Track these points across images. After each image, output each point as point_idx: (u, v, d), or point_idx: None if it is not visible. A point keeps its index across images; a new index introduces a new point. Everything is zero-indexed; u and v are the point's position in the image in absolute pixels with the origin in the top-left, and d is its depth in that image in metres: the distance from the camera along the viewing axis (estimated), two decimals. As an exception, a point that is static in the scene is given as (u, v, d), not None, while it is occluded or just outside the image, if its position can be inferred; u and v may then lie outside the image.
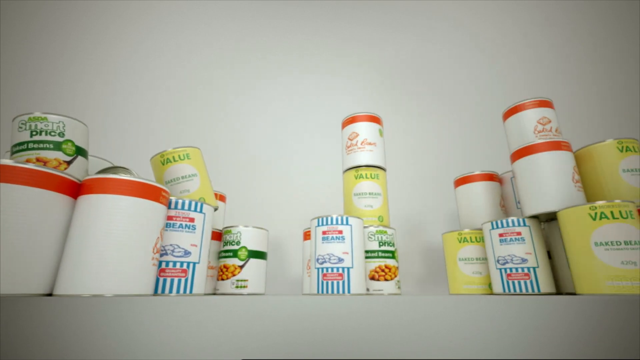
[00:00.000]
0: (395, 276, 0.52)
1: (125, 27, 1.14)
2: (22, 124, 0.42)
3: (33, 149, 0.41)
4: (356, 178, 0.59)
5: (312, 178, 0.98)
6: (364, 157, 0.60)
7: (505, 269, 0.48)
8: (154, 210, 0.35)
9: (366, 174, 0.59)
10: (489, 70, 1.07)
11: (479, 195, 0.61)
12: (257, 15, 1.17)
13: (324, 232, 0.46)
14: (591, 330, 0.28)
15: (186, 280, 0.38)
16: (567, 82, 1.03)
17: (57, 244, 0.32)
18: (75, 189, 0.34)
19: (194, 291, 0.38)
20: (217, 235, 0.59)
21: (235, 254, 0.56)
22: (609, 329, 0.28)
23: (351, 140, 0.62)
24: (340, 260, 0.44)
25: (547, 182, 0.47)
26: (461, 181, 0.64)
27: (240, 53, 1.13)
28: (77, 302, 0.27)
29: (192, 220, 0.40)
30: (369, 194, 0.58)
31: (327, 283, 0.44)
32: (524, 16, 1.12)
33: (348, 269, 0.44)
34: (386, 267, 0.52)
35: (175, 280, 0.37)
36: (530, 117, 0.55)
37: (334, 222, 0.47)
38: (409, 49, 1.12)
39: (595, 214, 0.40)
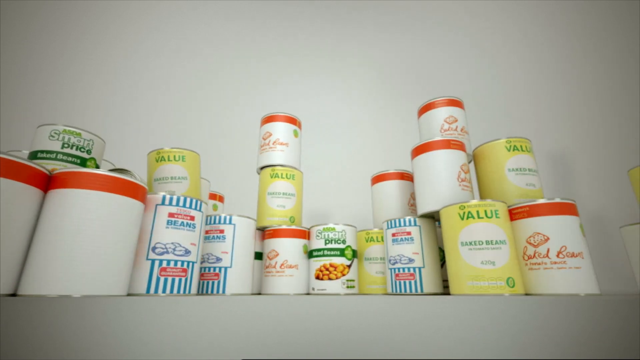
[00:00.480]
0: (343, 275, 0.51)
1: (125, 27, 1.15)
2: (55, 133, 0.43)
3: (62, 160, 0.42)
4: (272, 177, 0.59)
5: (313, 179, 0.98)
6: (275, 157, 0.60)
7: (395, 269, 0.47)
8: (131, 207, 0.33)
9: (282, 174, 0.59)
10: (489, 70, 1.07)
11: (390, 193, 0.60)
12: (257, 15, 1.17)
13: (207, 232, 0.46)
14: (590, 330, 0.28)
15: (186, 280, 0.37)
16: (567, 82, 1.03)
17: (22, 240, 0.29)
18: (45, 182, 0.32)
19: (191, 291, 0.38)
20: None
21: None
22: (609, 329, 0.28)
23: (265, 139, 0.62)
24: (219, 259, 0.44)
25: (433, 181, 0.46)
26: (376, 179, 0.63)
27: (241, 53, 1.13)
28: (45, 303, 0.25)
29: (192, 218, 0.39)
30: (283, 194, 0.57)
31: (203, 283, 0.43)
32: (524, 16, 1.12)
33: (226, 268, 0.44)
34: (331, 265, 0.51)
35: (176, 280, 0.36)
36: (439, 116, 0.55)
37: (217, 221, 0.46)
38: (409, 50, 1.12)
39: (464, 213, 0.40)
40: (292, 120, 0.63)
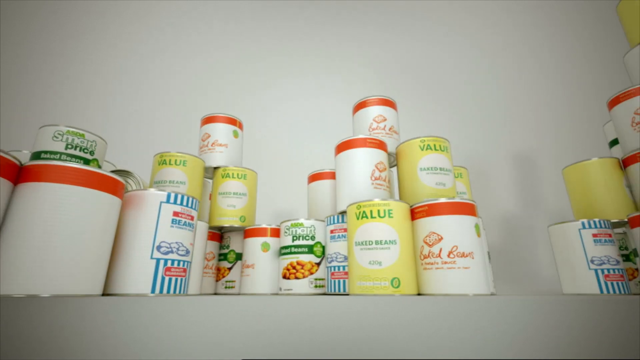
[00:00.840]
0: (311, 273, 0.48)
1: (125, 27, 1.14)
2: (59, 134, 0.43)
3: (65, 160, 0.42)
4: (223, 177, 0.58)
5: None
6: (214, 158, 0.59)
7: (331, 267, 0.46)
8: (106, 202, 0.32)
9: (233, 174, 0.58)
10: (489, 70, 1.08)
11: (324, 192, 0.59)
12: (257, 16, 1.17)
13: None
14: (590, 330, 0.29)
15: (185, 280, 0.37)
16: (568, 82, 1.03)
17: None
18: (15, 173, 0.30)
19: (188, 291, 0.38)
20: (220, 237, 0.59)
21: (225, 257, 0.57)
22: (608, 329, 0.29)
23: (203, 141, 0.62)
24: None
25: (347, 179, 0.46)
26: (312, 178, 0.62)
27: (241, 54, 1.13)
28: (13, 303, 0.25)
29: (192, 218, 0.39)
30: (234, 193, 0.57)
31: None
32: (523, 17, 1.12)
33: None
34: (298, 263, 0.48)
35: (179, 280, 0.36)
36: (369, 114, 0.55)
37: None
38: (409, 50, 1.12)
39: (359, 213, 0.39)
40: (231, 121, 0.63)
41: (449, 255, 0.36)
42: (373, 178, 0.46)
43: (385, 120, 0.55)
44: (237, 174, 0.58)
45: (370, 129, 0.54)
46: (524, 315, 0.29)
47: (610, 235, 0.47)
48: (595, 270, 0.45)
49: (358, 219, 0.39)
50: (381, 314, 0.28)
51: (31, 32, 1.11)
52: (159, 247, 0.35)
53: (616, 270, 0.45)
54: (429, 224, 0.38)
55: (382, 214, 0.38)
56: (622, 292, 0.44)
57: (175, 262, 0.36)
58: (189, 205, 0.39)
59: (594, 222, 0.47)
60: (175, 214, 0.37)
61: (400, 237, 0.38)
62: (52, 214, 0.28)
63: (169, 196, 0.37)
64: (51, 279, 0.28)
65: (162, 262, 0.36)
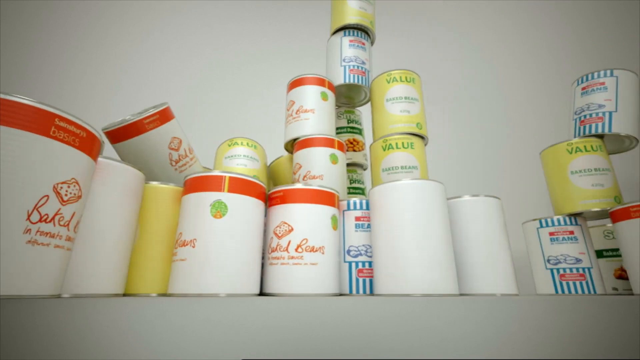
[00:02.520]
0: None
1: (125, 27, 1.14)
2: None
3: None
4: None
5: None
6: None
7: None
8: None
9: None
10: (489, 70, 1.08)
11: None
12: (257, 16, 1.17)
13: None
14: (588, 330, 0.28)
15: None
16: (567, 82, 1.03)
17: None
18: None
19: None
20: None
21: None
22: (607, 330, 0.29)
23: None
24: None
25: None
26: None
27: (242, 54, 1.13)
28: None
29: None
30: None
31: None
32: (523, 17, 1.12)
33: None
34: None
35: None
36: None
37: None
38: (409, 50, 1.12)
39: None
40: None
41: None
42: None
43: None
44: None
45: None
46: (526, 316, 0.29)
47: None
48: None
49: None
50: (382, 314, 0.28)
51: (31, 32, 1.11)
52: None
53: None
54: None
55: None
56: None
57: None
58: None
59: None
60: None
61: None
62: None
63: None
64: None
65: None
